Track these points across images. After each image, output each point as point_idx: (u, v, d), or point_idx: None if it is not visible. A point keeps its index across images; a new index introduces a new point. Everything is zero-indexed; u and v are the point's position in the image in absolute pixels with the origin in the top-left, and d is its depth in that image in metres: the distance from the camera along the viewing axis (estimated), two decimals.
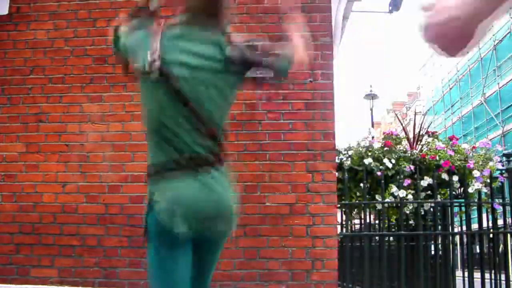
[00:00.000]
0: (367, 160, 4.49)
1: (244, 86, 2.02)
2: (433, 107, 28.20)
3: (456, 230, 5.56)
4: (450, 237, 4.68)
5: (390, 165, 4.49)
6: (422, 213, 4.44)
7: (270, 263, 3.80)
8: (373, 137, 5.10)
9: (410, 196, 4.35)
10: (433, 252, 4.67)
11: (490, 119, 20.96)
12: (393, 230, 4.69)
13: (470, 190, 4.48)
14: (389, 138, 4.81)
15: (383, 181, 4.30)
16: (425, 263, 4.30)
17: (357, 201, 4.57)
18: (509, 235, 5.47)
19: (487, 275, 4.36)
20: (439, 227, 4.50)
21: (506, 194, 4.61)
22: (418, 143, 5.02)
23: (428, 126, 5.93)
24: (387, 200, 4.36)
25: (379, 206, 4.43)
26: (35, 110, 4.13)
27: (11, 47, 4.22)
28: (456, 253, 6.96)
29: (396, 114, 21.07)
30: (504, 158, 4.92)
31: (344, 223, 4.64)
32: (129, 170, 3.96)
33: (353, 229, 5.88)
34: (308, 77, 4.03)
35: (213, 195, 1.72)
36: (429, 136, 5.11)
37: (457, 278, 4.65)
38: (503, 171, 4.64)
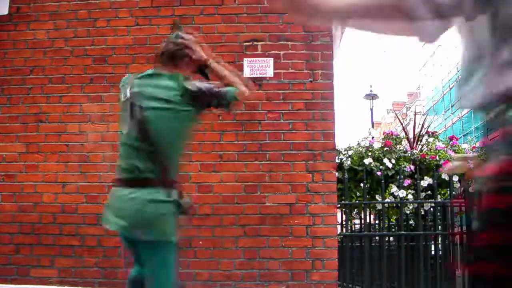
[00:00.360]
0: (367, 160, 4.50)
1: (201, 116, 2.26)
2: (433, 107, 28.20)
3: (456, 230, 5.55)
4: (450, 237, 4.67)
5: (390, 165, 4.49)
6: (422, 213, 4.44)
7: (270, 263, 3.80)
8: (373, 137, 5.09)
9: (410, 196, 4.35)
10: (433, 252, 4.67)
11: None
12: (393, 230, 4.70)
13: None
14: (389, 138, 4.81)
15: (383, 181, 4.30)
16: (425, 263, 4.30)
17: (357, 201, 4.57)
18: None
19: None
20: (439, 227, 4.50)
21: None
22: (418, 143, 5.03)
23: (428, 126, 5.93)
24: (387, 200, 4.37)
25: (379, 206, 4.44)
26: (35, 110, 4.13)
27: (11, 47, 4.23)
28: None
29: (396, 114, 21.07)
30: None
31: (344, 223, 4.64)
32: None
33: (353, 229, 5.87)
34: (308, 77, 4.04)
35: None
36: (429, 136, 5.11)
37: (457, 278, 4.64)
38: None
